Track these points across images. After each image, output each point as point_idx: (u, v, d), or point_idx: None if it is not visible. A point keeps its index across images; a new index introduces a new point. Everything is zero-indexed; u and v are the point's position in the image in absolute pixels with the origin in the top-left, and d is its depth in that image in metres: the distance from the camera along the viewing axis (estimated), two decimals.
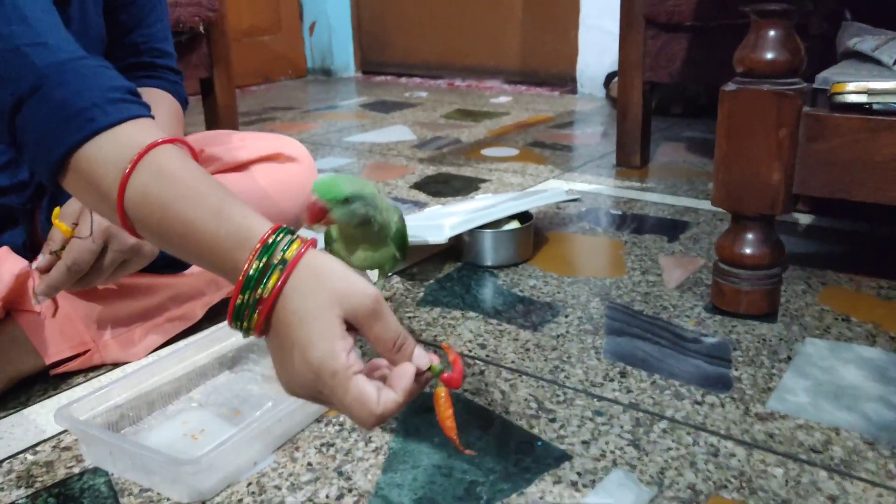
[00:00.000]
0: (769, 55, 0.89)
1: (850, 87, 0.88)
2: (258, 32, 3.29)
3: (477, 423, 0.76)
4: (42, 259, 0.78)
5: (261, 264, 0.52)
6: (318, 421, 0.77)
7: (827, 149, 0.88)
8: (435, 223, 1.17)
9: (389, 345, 0.54)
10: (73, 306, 0.87)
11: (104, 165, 0.55)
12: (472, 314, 1.01)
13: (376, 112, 2.55)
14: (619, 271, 1.14)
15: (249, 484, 0.68)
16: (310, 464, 0.71)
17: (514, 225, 1.19)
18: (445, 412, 0.58)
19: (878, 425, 0.74)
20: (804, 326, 0.95)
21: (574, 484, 0.67)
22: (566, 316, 0.99)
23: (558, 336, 0.94)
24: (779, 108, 0.88)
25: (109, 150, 0.56)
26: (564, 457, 0.71)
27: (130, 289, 0.91)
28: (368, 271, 0.87)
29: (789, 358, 0.87)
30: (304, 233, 0.90)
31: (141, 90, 0.97)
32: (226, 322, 0.56)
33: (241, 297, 0.53)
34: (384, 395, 0.52)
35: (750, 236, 0.94)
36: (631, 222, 1.37)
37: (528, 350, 0.91)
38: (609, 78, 2.64)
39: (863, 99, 0.87)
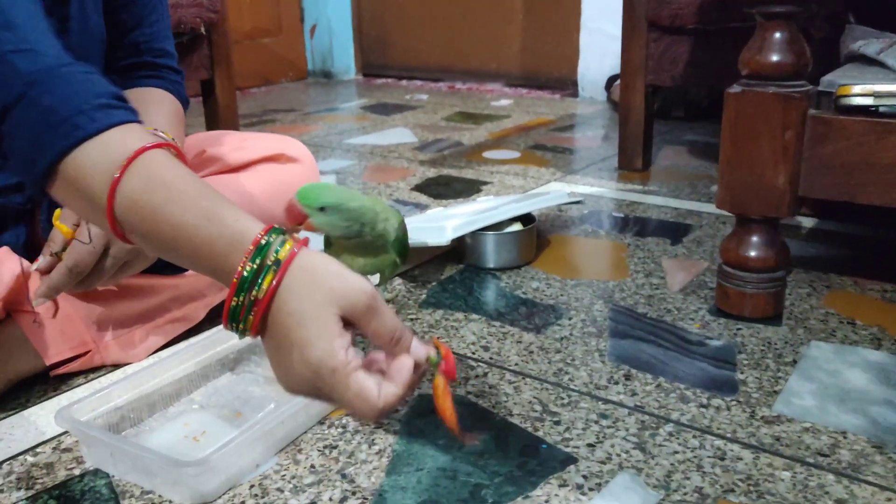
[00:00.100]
0: (775, 57, 0.88)
1: (856, 89, 0.88)
2: (259, 34, 3.28)
3: (481, 425, 0.76)
4: (43, 260, 0.78)
5: (254, 266, 0.52)
6: (320, 423, 0.76)
7: (833, 151, 0.87)
8: (437, 225, 1.16)
9: (387, 338, 0.55)
10: (73, 307, 0.86)
11: (93, 172, 0.55)
12: (474, 316, 1.00)
13: (377, 114, 2.55)
14: (622, 274, 1.13)
15: (252, 486, 0.67)
16: (312, 466, 0.70)
17: (517, 227, 1.19)
18: (445, 401, 0.59)
19: (885, 429, 0.74)
20: (809, 329, 0.94)
21: (580, 487, 0.66)
22: (569, 318, 0.99)
23: (562, 338, 0.93)
24: (784, 110, 0.87)
25: (98, 156, 0.56)
26: (570, 460, 0.70)
27: (131, 290, 0.90)
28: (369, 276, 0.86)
29: (794, 361, 0.87)
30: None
31: (142, 90, 0.98)
32: (236, 336, 0.56)
33: (235, 298, 0.53)
34: (385, 389, 0.53)
35: (755, 239, 0.93)
36: (633, 225, 1.36)
37: (531, 352, 0.90)
38: (610, 81, 2.63)
39: (869, 102, 0.86)
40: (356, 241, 0.77)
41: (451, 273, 1.16)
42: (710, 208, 1.44)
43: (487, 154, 1.94)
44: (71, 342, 0.85)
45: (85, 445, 0.72)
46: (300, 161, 1.08)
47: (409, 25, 3.32)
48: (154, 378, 0.78)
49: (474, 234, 1.15)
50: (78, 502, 0.66)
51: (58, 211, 0.79)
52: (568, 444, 0.72)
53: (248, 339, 0.87)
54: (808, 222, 1.35)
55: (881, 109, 0.85)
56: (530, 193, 1.50)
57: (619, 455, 0.71)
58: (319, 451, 0.72)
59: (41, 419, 0.78)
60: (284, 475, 0.69)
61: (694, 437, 0.73)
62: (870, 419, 0.75)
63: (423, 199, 1.55)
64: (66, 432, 0.76)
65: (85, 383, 0.85)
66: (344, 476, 0.68)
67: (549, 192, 1.34)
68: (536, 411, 0.78)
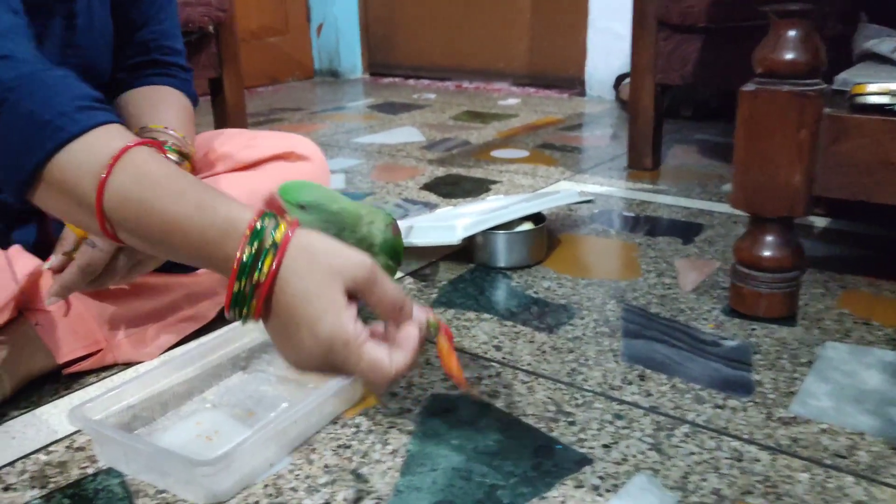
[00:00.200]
0: (789, 55, 0.87)
1: (872, 88, 0.87)
2: (266, 33, 3.28)
3: (495, 425, 0.75)
4: (55, 259, 0.77)
5: (253, 250, 0.53)
6: (333, 422, 0.76)
7: (848, 150, 0.87)
8: (447, 224, 1.16)
9: (391, 307, 0.56)
10: (85, 305, 0.86)
11: (79, 172, 0.56)
12: (486, 316, 1.00)
13: (384, 113, 2.55)
14: (634, 273, 1.13)
15: (266, 486, 0.67)
16: (326, 466, 0.70)
17: (528, 226, 1.18)
18: (450, 359, 0.62)
19: None
20: (824, 330, 0.93)
21: (596, 488, 0.66)
22: (582, 318, 0.98)
23: (574, 338, 0.93)
24: (800, 109, 0.87)
25: (83, 156, 0.56)
26: (585, 461, 0.69)
27: (143, 288, 0.90)
28: None
29: (810, 362, 0.86)
30: None
31: (151, 88, 0.97)
32: (239, 322, 0.56)
33: (237, 284, 0.53)
34: (395, 357, 0.55)
35: (769, 239, 0.92)
36: (644, 224, 1.35)
37: (544, 352, 0.90)
38: (619, 80, 2.63)
39: (885, 100, 0.86)
40: None
41: (461, 272, 1.15)
42: (722, 208, 1.43)
43: (496, 153, 1.93)
44: (83, 340, 0.85)
45: (98, 444, 0.71)
46: (310, 159, 1.07)
47: (416, 24, 3.31)
48: (166, 377, 0.78)
49: (485, 233, 1.15)
50: (91, 501, 0.65)
51: None
52: (583, 444, 0.72)
53: (259, 338, 0.87)
54: (820, 222, 1.34)
55: None
56: (540, 192, 1.50)
57: (634, 456, 0.70)
58: (333, 450, 0.72)
59: (53, 418, 0.78)
60: (298, 475, 0.68)
61: (710, 438, 0.72)
62: (887, 420, 0.75)
63: (432, 198, 1.54)
64: (78, 431, 0.75)
65: (97, 382, 0.85)
66: (358, 476, 0.68)
67: (558, 192, 1.33)
68: (550, 411, 0.77)
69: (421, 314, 0.58)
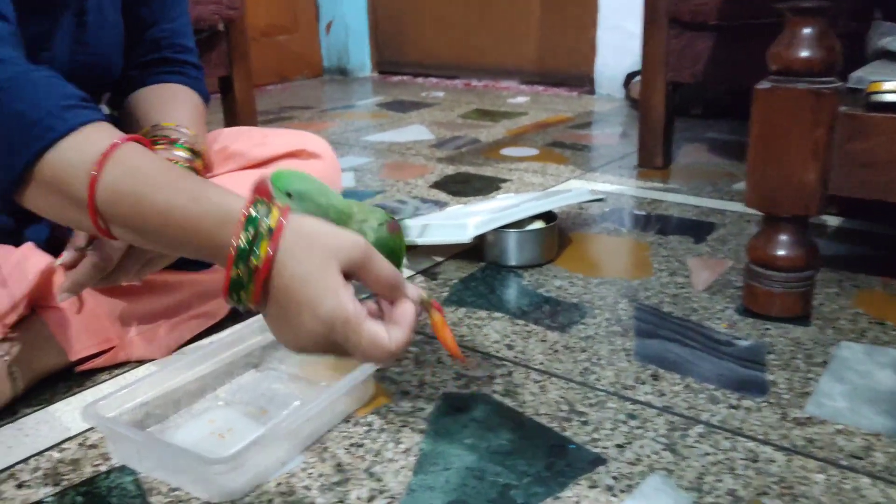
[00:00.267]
0: (804, 53, 0.87)
1: (888, 86, 0.86)
2: (275, 32, 3.29)
3: (508, 424, 0.75)
4: (67, 255, 0.77)
5: (249, 236, 0.54)
6: (345, 421, 0.76)
7: (864, 149, 0.86)
8: (458, 222, 1.15)
9: (386, 284, 0.58)
10: (97, 302, 0.86)
11: (70, 169, 0.57)
12: (497, 314, 0.99)
13: (393, 112, 2.55)
14: (646, 272, 1.12)
15: (279, 484, 0.67)
16: (339, 464, 0.69)
17: (539, 225, 1.18)
18: (445, 333, 0.64)
19: None
20: (838, 330, 0.93)
21: (610, 489, 0.65)
22: (594, 317, 0.98)
23: (587, 337, 0.92)
24: (815, 107, 0.86)
25: (74, 154, 0.57)
26: (599, 461, 0.69)
27: (155, 285, 0.90)
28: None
29: (825, 362, 0.85)
30: None
31: (162, 86, 0.97)
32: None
33: (234, 270, 0.55)
34: (394, 334, 0.57)
35: (783, 238, 0.92)
36: (655, 223, 1.35)
37: (556, 351, 0.89)
38: (629, 78, 2.62)
39: None
40: None
41: (472, 271, 1.15)
42: (733, 206, 1.42)
43: (505, 151, 1.93)
44: (95, 338, 0.85)
45: (111, 442, 0.71)
46: (321, 157, 1.07)
47: (425, 22, 3.31)
48: (179, 374, 0.78)
49: (496, 231, 1.14)
50: (105, 498, 0.66)
51: None
52: (596, 444, 0.71)
53: (271, 336, 0.87)
54: (834, 221, 1.33)
55: None
56: (551, 191, 1.49)
57: (648, 456, 0.70)
58: (346, 449, 0.72)
59: (66, 415, 0.78)
60: (311, 473, 0.68)
61: (725, 438, 0.72)
62: None
63: (442, 196, 1.54)
64: (91, 428, 0.75)
65: (109, 379, 0.85)
66: (371, 475, 0.68)
67: (569, 190, 1.33)
68: (563, 411, 0.77)
69: (415, 291, 0.60)
